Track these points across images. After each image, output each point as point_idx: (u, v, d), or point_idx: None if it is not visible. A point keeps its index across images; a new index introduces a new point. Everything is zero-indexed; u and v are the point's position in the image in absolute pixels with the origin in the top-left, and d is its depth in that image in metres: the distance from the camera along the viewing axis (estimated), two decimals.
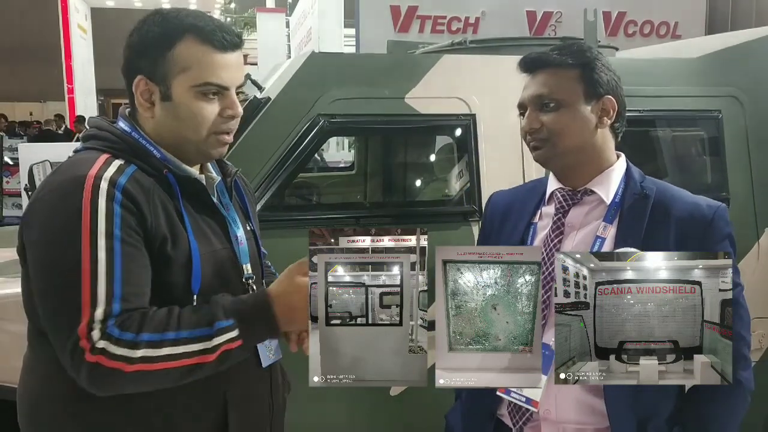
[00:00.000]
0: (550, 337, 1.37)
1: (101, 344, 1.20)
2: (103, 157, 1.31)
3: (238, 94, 1.39)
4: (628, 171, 1.52)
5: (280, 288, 1.31)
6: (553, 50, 1.48)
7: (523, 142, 1.55)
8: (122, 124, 1.39)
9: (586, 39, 2.98)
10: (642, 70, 2.77)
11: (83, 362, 1.20)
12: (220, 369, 1.28)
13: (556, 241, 1.49)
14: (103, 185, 1.25)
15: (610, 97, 1.47)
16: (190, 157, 1.41)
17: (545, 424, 1.48)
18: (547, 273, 1.45)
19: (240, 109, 1.38)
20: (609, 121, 1.48)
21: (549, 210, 1.55)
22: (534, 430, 1.50)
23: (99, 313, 1.21)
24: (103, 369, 1.20)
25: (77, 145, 1.42)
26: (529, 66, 1.50)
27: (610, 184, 1.49)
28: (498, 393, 1.48)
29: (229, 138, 1.40)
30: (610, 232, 1.46)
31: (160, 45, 1.32)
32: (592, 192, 1.50)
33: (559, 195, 1.53)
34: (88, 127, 1.42)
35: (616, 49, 3.34)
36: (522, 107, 1.51)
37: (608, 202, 1.48)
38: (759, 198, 2.69)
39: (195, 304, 1.32)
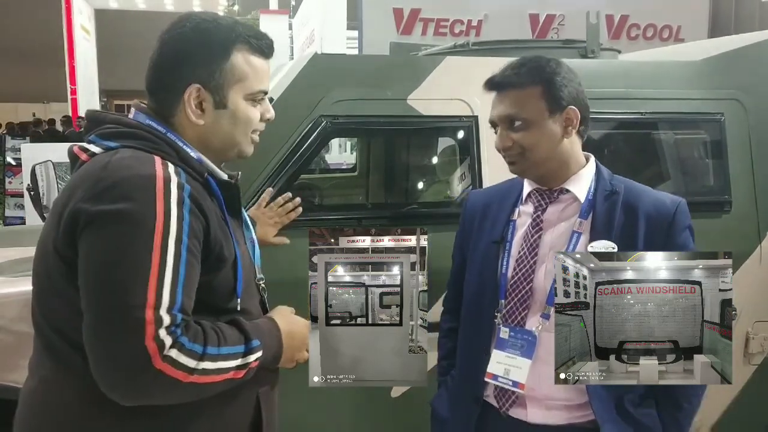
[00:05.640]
0: (532, 324, 1.53)
1: (172, 352, 1.13)
2: (157, 158, 1.24)
3: None
4: (598, 170, 1.63)
5: (284, 322, 1.37)
6: (513, 70, 1.55)
7: None
8: (154, 124, 1.32)
9: (588, 42, 2.98)
10: (645, 73, 2.76)
11: (149, 369, 1.11)
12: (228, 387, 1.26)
13: (536, 236, 1.59)
14: (173, 188, 1.20)
15: (572, 107, 1.55)
16: (228, 157, 1.41)
17: (531, 402, 1.56)
18: (527, 267, 1.56)
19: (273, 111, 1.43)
20: (574, 130, 1.56)
21: (526, 208, 1.65)
22: (521, 408, 1.57)
23: (166, 319, 1.13)
24: (164, 378, 1.13)
25: (112, 143, 1.28)
26: (494, 87, 1.58)
27: (582, 183, 1.60)
28: (485, 379, 1.57)
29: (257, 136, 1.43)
30: (586, 226, 1.56)
31: (216, 56, 1.31)
32: (567, 191, 1.60)
33: (536, 194, 1.63)
34: (109, 125, 1.31)
35: (619, 52, 3.33)
36: (493, 124, 1.60)
37: (582, 199, 1.58)
38: (761, 201, 2.67)
39: (238, 307, 1.32)
